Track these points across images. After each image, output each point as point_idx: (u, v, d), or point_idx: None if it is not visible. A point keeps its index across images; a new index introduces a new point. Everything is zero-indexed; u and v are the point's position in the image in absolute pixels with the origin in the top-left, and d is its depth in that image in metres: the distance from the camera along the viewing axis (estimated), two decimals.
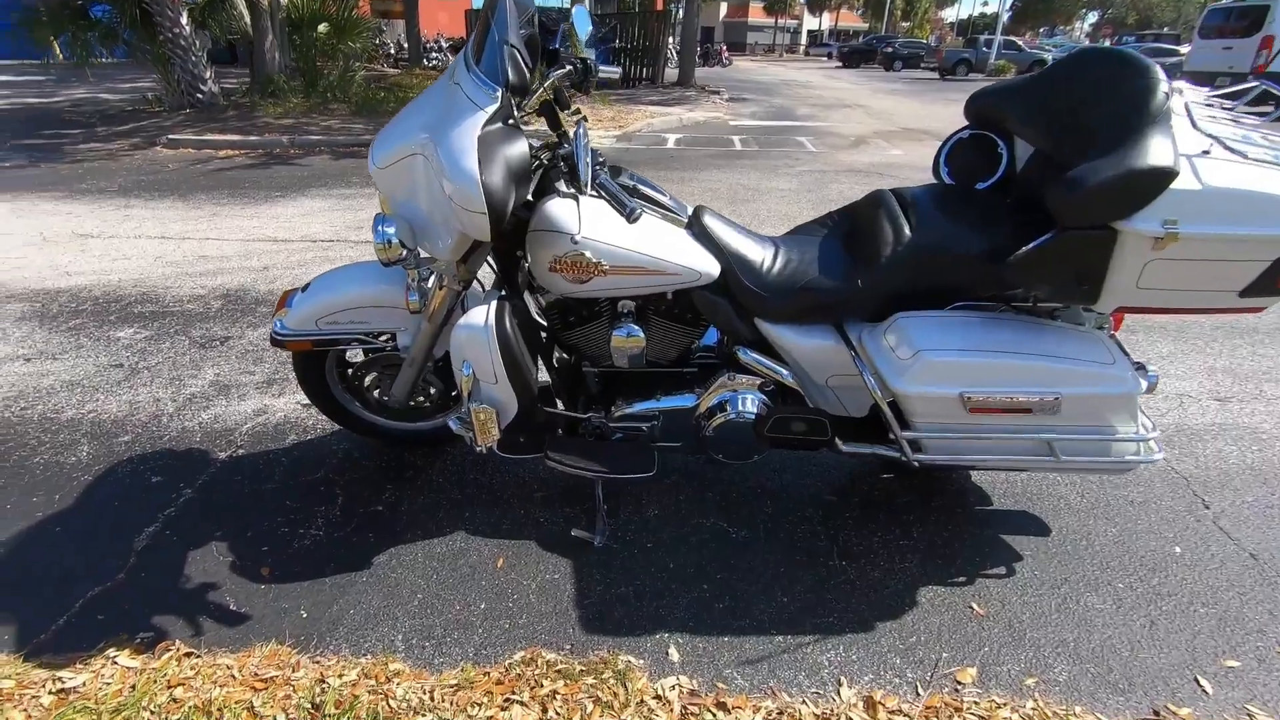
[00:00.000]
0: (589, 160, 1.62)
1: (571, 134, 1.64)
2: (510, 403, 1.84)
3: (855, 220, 2.00)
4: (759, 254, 1.92)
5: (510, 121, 1.61)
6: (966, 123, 2.04)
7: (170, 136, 8.80)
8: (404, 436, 2.41)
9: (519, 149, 1.57)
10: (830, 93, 18.43)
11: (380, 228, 1.60)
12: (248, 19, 11.21)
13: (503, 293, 1.94)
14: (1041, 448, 1.81)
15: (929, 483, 2.32)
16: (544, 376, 2.11)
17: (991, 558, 2.00)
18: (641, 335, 1.95)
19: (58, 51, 10.75)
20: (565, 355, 2.22)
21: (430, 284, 1.88)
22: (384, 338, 2.17)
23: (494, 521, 2.13)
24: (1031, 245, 1.58)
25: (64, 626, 1.73)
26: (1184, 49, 19.62)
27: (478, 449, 1.87)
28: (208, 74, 10.81)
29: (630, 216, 1.56)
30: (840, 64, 37.40)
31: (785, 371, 1.96)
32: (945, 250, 1.72)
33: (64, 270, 4.38)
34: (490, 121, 1.51)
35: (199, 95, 10.73)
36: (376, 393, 2.29)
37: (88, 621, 1.75)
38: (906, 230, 1.78)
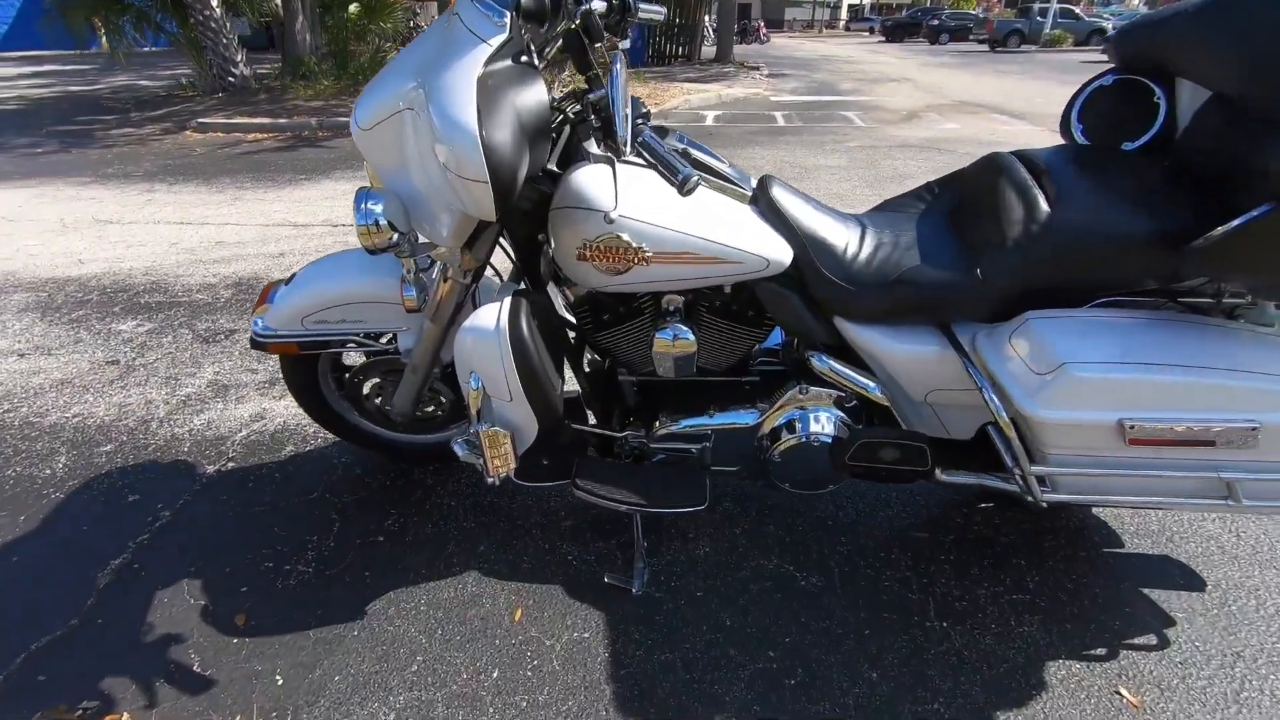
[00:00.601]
0: (628, 110, 1.22)
1: (607, 75, 1.24)
2: (529, 423, 1.48)
3: (967, 192, 1.58)
4: (842, 236, 1.52)
5: (523, 59, 1.23)
6: (1109, 65, 1.60)
7: (199, 120, 8.66)
8: (411, 451, 2.08)
9: (534, 95, 1.20)
10: (874, 67, 17.59)
11: (364, 205, 1.25)
12: (279, 1, 11.02)
13: (521, 286, 1.57)
14: (1215, 487, 1.38)
15: (1034, 518, 1.90)
16: (572, 384, 1.75)
17: (1135, 620, 1.58)
18: (691, 338, 1.57)
19: (103, 41, 10.72)
20: (598, 360, 1.85)
21: (433, 276, 1.53)
22: (384, 339, 1.83)
23: (512, 559, 1.79)
24: (1235, 224, 1.15)
25: None
26: None
27: (489, 480, 1.51)
28: (239, 57, 10.67)
29: (684, 187, 1.17)
30: (883, 38, 36.01)
31: (872, 384, 1.56)
32: (1100, 232, 1.30)
33: (77, 258, 4.18)
34: (495, 58, 1.14)
35: (230, 79, 10.60)
36: (378, 401, 1.95)
37: (26, 683, 1.46)
38: (1043, 205, 1.36)
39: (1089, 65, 16.99)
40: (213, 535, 1.88)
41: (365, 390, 1.94)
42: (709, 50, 16.64)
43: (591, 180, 1.38)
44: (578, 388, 1.80)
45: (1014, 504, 1.93)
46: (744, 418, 1.67)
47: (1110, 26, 22.78)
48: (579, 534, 1.86)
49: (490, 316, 1.39)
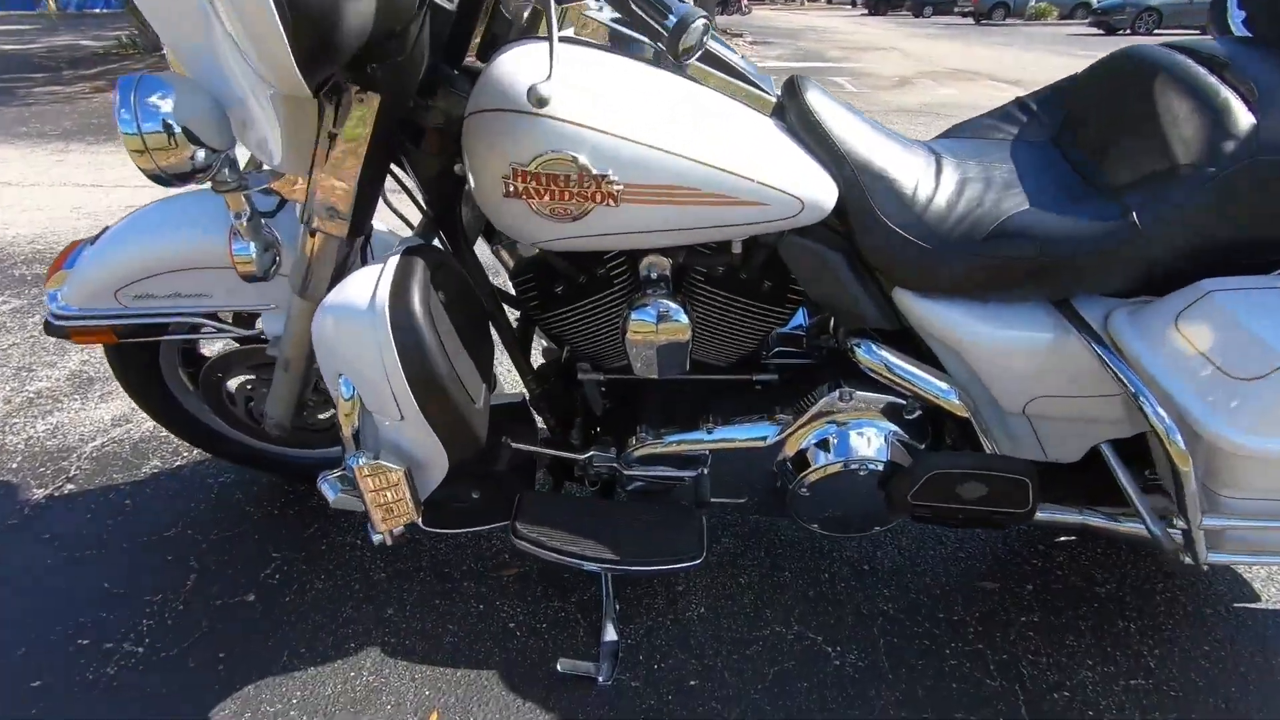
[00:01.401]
0: None
1: None
2: (433, 453, 0.97)
3: (1089, 106, 1.08)
4: (909, 168, 1.01)
5: None
6: None
7: None
8: (303, 469, 1.55)
9: None
10: (860, 37, 17.02)
11: (134, 99, 0.72)
12: None
13: (426, 244, 1.05)
14: None
15: (1135, 556, 1.44)
16: (514, 382, 1.23)
17: None
18: (683, 319, 1.06)
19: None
20: (553, 349, 1.35)
21: (297, 235, 1.00)
22: (256, 323, 1.30)
23: (432, 629, 1.28)
24: None
25: None
26: None
27: (375, 538, 1.00)
28: None
29: (681, 39, 0.67)
30: (866, 11, 35.31)
31: (946, 387, 1.07)
32: None
33: None
34: None
35: None
36: (250, 406, 1.42)
37: None
38: (1242, 111, 0.86)
39: (1077, 38, 16.61)
40: (20, 595, 1.35)
41: (230, 390, 1.40)
42: None
43: (520, 62, 0.86)
44: (523, 389, 1.29)
45: (1099, 541, 1.46)
46: (757, 433, 1.17)
47: (1094, 2, 22.47)
48: (526, 590, 1.36)
49: (362, 288, 0.87)
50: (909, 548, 1.46)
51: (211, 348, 1.50)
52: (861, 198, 0.98)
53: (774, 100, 0.99)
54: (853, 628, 1.28)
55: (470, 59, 1.01)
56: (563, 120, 0.84)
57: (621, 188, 0.88)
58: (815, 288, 1.05)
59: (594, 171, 0.86)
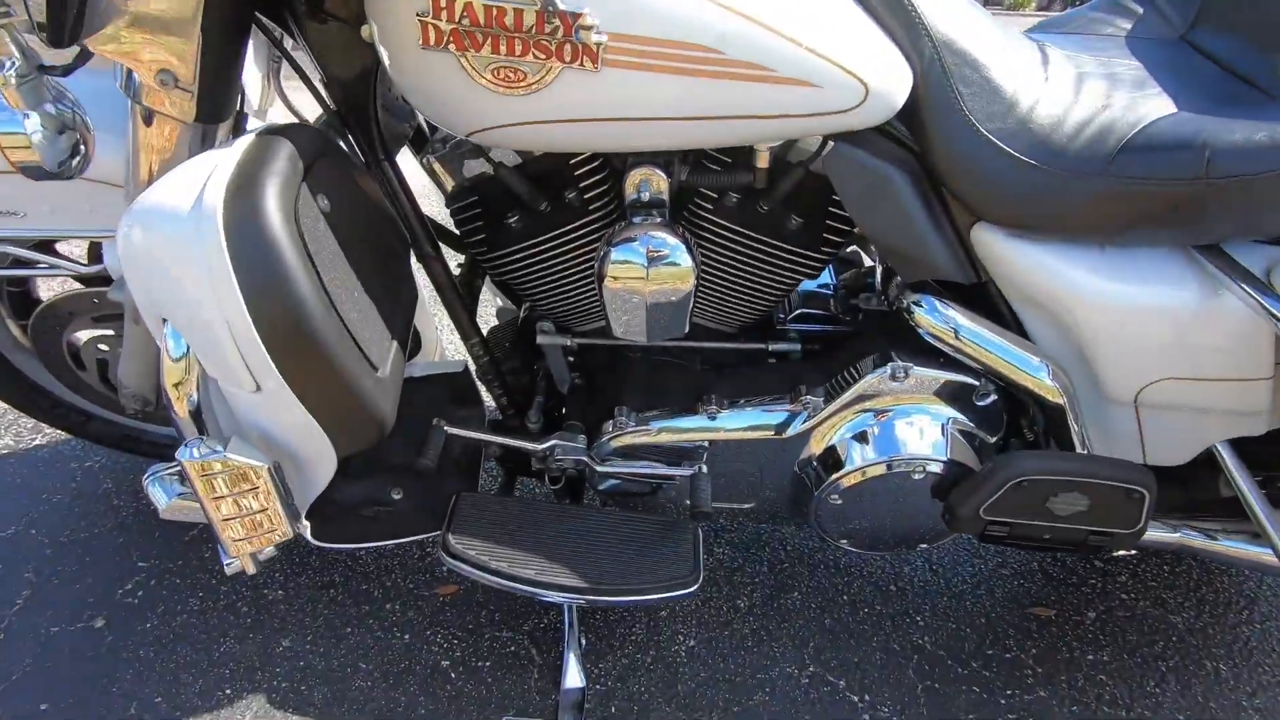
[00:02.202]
0: None
1: None
2: (315, 441, 0.65)
3: None
4: (1008, 55, 0.73)
5: None
6: None
7: None
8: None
9: None
10: None
11: None
12: None
13: (303, 124, 0.73)
14: None
15: (1207, 575, 1.19)
16: (457, 349, 0.92)
17: None
18: (686, 261, 0.76)
19: None
20: (509, 307, 1.05)
21: (133, 111, 0.68)
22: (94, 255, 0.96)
23: (338, 670, 0.97)
24: None
25: None
26: None
27: (227, 566, 0.69)
28: None
29: None
30: None
31: (1036, 362, 0.79)
32: None
33: None
34: None
35: None
36: (104, 368, 1.09)
37: None
38: None
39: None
40: None
41: (76, 347, 1.06)
42: None
43: None
44: (465, 357, 0.98)
45: (1165, 555, 1.22)
46: (772, 420, 0.88)
47: None
48: (466, 614, 1.06)
49: (188, 181, 0.55)
50: (941, 561, 1.19)
51: (51, 288, 1.15)
52: (944, 89, 0.69)
53: None
54: (882, 668, 1.01)
55: None
56: None
57: (604, 39, 0.57)
58: (868, 219, 0.75)
59: (560, 5, 0.55)
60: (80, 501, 1.25)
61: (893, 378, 0.82)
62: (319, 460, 0.67)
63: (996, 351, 0.79)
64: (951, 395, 0.84)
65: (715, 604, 1.09)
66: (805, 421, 0.86)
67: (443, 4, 0.55)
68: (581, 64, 0.58)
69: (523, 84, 0.59)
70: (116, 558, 1.13)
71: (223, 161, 0.55)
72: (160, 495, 0.69)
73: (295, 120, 0.92)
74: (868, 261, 1.05)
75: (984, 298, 0.81)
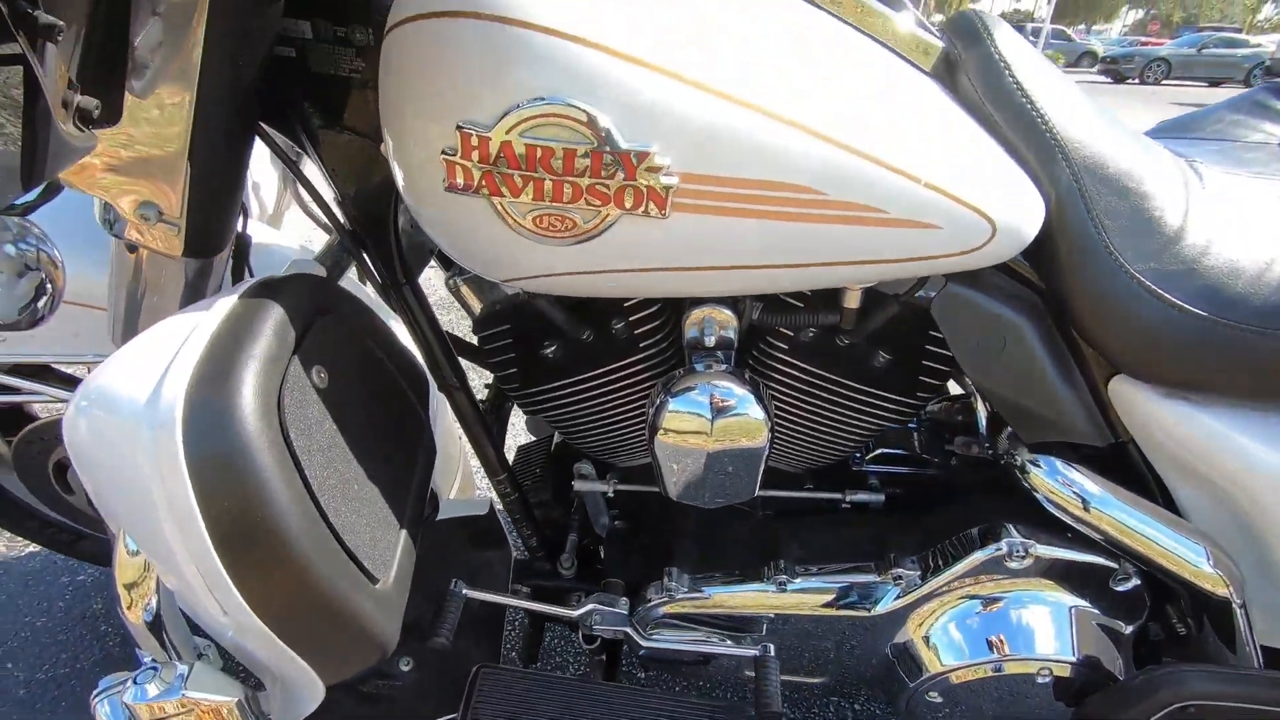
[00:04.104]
0: None
1: None
2: (293, 670, 0.51)
3: None
4: (1156, 179, 0.59)
5: None
6: None
7: None
8: None
9: None
10: None
11: None
12: None
13: (300, 275, 0.62)
14: None
15: None
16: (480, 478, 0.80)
17: None
18: (759, 414, 0.62)
19: None
20: (542, 436, 0.92)
21: (116, 246, 0.58)
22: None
23: None
24: None
25: None
26: (1256, 40, 18.12)
27: None
28: None
29: None
30: None
31: (1196, 546, 0.63)
32: None
33: None
34: None
35: None
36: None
37: None
38: None
39: (1085, 85, 16.55)
40: None
41: (54, 474, 0.96)
42: None
43: None
44: (488, 490, 0.86)
45: None
46: (854, 594, 0.73)
47: (1101, 52, 22.75)
48: None
49: (148, 363, 0.44)
50: None
51: (48, 408, 1.06)
52: (1084, 223, 0.56)
53: (939, 45, 0.58)
54: None
55: None
56: (563, 36, 0.42)
57: (675, 181, 0.45)
58: (984, 372, 0.62)
59: (624, 145, 0.43)
60: (66, 626, 1.13)
61: (1008, 556, 0.67)
62: (302, 686, 0.53)
63: (1140, 530, 0.64)
64: (1081, 578, 0.68)
65: None
66: (897, 599, 0.71)
67: (474, 142, 0.43)
68: (645, 210, 0.46)
69: (571, 232, 0.47)
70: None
71: (195, 336, 0.43)
72: None
73: (319, 224, 0.83)
74: (956, 388, 0.91)
75: (1120, 459, 0.66)
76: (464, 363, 0.78)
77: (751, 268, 0.52)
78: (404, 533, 0.57)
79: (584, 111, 0.42)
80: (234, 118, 0.54)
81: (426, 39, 0.43)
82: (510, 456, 0.88)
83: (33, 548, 1.26)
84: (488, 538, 0.85)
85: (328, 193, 0.70)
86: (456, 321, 2.10)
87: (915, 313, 0.64)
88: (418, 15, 0.43)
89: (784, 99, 0.45)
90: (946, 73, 0.58)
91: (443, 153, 0.45)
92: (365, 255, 0.70)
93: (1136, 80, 17.83)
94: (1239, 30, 25.33)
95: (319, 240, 0.84)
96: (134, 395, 0.42)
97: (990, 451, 0.75)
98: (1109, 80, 18.12)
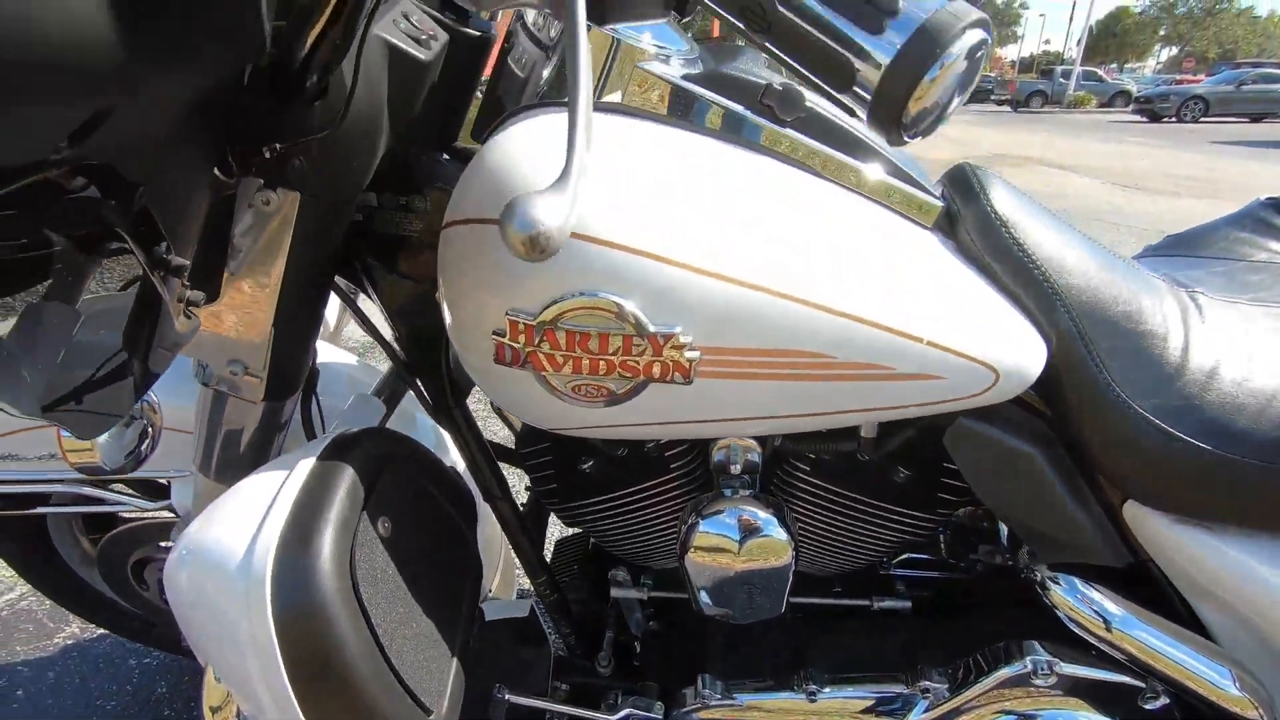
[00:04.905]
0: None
1: None
2: None
3: None
4: (1154, 313, 0.63)
5: None
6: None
7: None
8: None
9: None
10: None
11: None
12: None
13: (367, 432, 0.69)
14: None
15: None
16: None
17: None
18: (782, 535, 0.67)
19: None
20: (576, 540, 0.97)
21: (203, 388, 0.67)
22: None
23: None
24: None
25: None
26: None
27: None
28: None
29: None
30: None
31: (1220, 667, 0.64)
32: None
33: None
34: None
35: None
36: (164, 595, 1.05)
37: None
38: None
39: (1120, 125, 16.44)
40: None
41: (132, 572, 1.04)
42: None
43: (526, 148, 0.51)
44: (527, 590, 0.90)
45: None
46: (882, 705, 0.75)
47: (1135, 91, 22.56)
48: None
49: (241, 520, 0.50)
50: None
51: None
52: (1087, 364, 0.59)
53: (938, 206, 0.63)
54: None
55: (466, 142, 0.68)
56: (598, 243, 0.48)
57: (697, 355, 0.51)
58: (998, 499, 0.65)
59: (651, 328, 0.49)
60: (134, 709, 1.19)
61: (1034, 674, 0.68)
62: None
63: (1164, 652, 0.65)
64: (1110, 696, 0.69)
65: None
66: (926, 711, 0.73)
67: (520, 328, 0.50)
68: (672, 379, 0.52)
69: (606, 397, 0.53)
70: None
71: (281, 498, 0.50)
72: None
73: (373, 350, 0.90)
74: None
75: (1142, 576, 0.68)
76: (505, 466, 0.84)
77: (770, 418, 0.56)
78: (455, 660, 0.62)
79: (615, 302, 0.48)
80: (314, 283, 0.62)
81: (479, 239, 0.50)
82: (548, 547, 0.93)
83: (103, 631, 1.34)
84: (529, 638, 0.89)
85: (385, 328, 0.77)
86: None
87: (932, 434, 0.67)
88: (470, 220, 0.51)
89: (792, 279, 0.51)
90: (948, 224, 0.64)
91: (493, 333, 0.51)
92: (419, 383, 0.77)
93: (1173, 119, 17.64)
94: (1279, 65, 24.98)
95: (375, 348, 0.92)
96: (230, 552, 0.48)
97: (1011, 564, 0.77)
98: (1145, 119, 17.97)
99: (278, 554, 0.47)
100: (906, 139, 0.34)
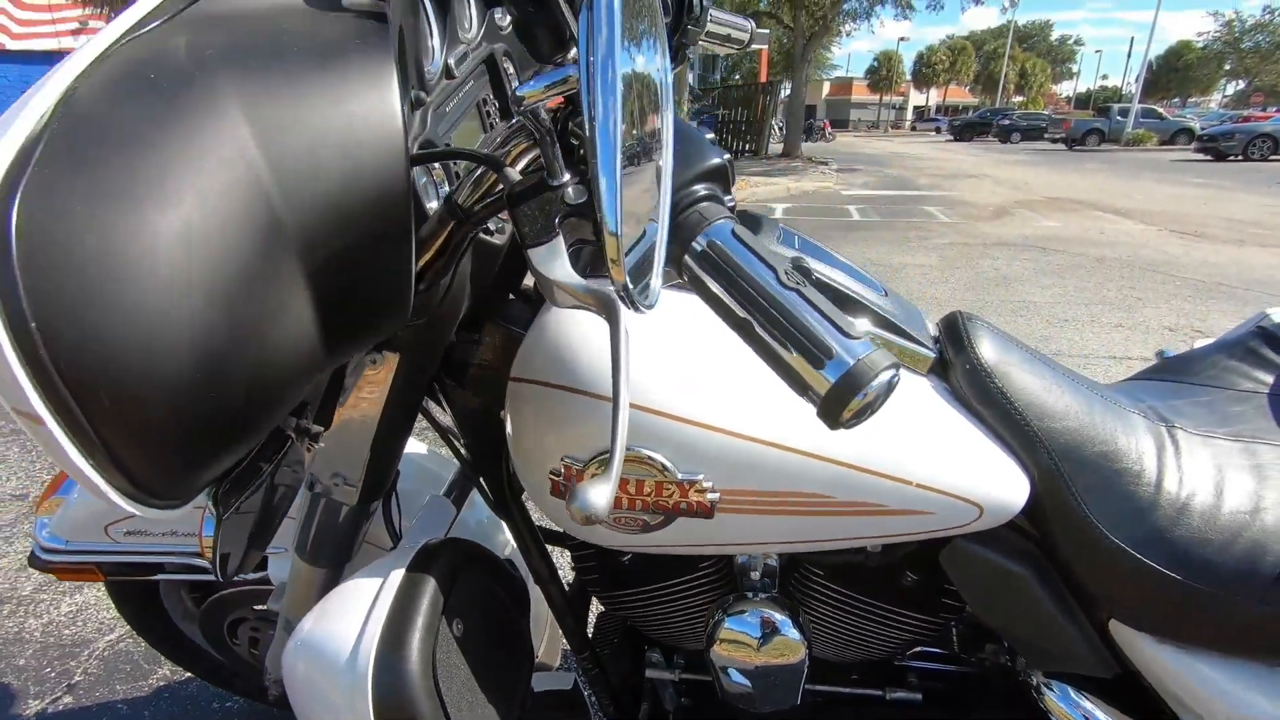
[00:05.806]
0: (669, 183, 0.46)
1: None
2: None
3: None
4: (1133, 451, 0.70)
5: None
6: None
7: None
8: None
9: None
10: (949, 164, 17.04)
11: None
12: None
13: (445, 542, 0.81)
14: None
15: None
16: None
17: None
18: (797, 636, 0.76)
19: None
20: (612, 621, 1.07)
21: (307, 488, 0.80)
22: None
23: None
24: None
25: None
26: None
27: None
28: None
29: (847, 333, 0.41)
30: (951, 137, 36.01)
31: None
32: None
33: None
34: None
35: None
36: (254, 651, 1.19)
37: None
38: None
39: (1184, 164, 15.99)
40: None
41: (227, 629, 1.18)
42: (775, 147, 16.51)
43: (575, 316, 0.63)
44: (570, 666, 0.99)
45: None
46: None
47: (1198, 129, 21.82)
48: None
49: (347, 622, 0.62)
50: None
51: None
52: (1066, 499, 0.67)
53: (930, 357, 0.72)
54: None
55: (529, 284, 0.81)
56: (636, 408, 0.59)
57: (717, 496, 0.61)
58: (992, 613, 0.73)
59: (678, 476, 0.60)
60: None
61: None
62: None
63: None
64: None
65: None
66: None
67: (573, 470, 0.61)
68: (696, 514, 0.62)
69: (640, 527, 0.64)
70: None
71: (379, 604, 0.62)
72: None
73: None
74: None
75: (1132, 684, 0.74)
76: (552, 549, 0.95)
77: (780, 543, 0.66)
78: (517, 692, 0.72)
79: (649, 454, 0.59)
80: (407, 413, 0.75)
81: (542, 398, 0.62)
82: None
83: (190, 675, 1.49)
84: (572, 710, 0.99)
85: (453, 434, 0.90)
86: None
87: (933, 547, 0.76)
88: (536, 381, 0.63)
89: (796, 433, 0.61)
90: (942, 369, 0.73)
91: (550, 472, 0.63)
92: (482, 482, 0.89)
93: (1239, 157, 17.08)
94: None
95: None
96: (338, 651, 0.60)
97: (1014, 668, 0.83)
98: (1209, 159, 17.45)
99: (378, 655, 0.59)
100: (847, 429, 0.44)
